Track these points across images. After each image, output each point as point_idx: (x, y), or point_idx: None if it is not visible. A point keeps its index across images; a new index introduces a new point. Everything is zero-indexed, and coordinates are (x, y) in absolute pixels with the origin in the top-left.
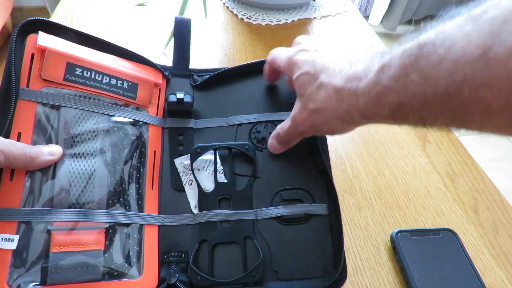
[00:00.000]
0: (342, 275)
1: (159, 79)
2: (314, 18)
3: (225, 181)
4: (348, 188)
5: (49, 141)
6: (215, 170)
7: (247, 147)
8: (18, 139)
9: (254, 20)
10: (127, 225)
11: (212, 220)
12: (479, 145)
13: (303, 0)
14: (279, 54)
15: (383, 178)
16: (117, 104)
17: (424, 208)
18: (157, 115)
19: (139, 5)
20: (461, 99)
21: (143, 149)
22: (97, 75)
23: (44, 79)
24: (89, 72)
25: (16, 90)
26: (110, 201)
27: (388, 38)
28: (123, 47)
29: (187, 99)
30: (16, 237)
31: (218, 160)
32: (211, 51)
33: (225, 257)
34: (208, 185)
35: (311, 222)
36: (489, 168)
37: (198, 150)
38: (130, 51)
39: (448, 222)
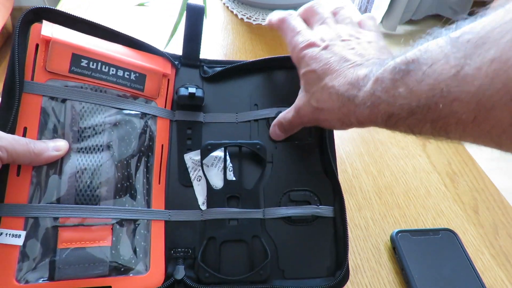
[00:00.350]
0: (345, 276)
1: (168, 69)
2: None
3: (234, 179)
4: (348, 188)
5: (55, 136)
6: (225, 168)
7: (258, 146)
8: (24, 134)
9: (254, 20)
10: (134, 221)
11: (220, 217)
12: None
13: (303, 0)
14: (289, 33)
15: (383, 178)
16: (124, 96)
17: (424, 208)
18: (165, 106)
19: (139, 5)
20: (438, 111)
21: (151, 143)
22: (103, 66)
23: (49, 71)
24: (95, 64)
25: (21, 83)
26: (117, 196)
27: (388, 38)
28: (131, 35)
29: (199, 93)
30: (23, 233)
31: (228, 157)
32: (211, 51)
33: (232, 255)
34: (217, 182)
35: (316, 223)
36: (489, 168)
37: (209, 147)
38: (138, 40)
39: (448, 222)
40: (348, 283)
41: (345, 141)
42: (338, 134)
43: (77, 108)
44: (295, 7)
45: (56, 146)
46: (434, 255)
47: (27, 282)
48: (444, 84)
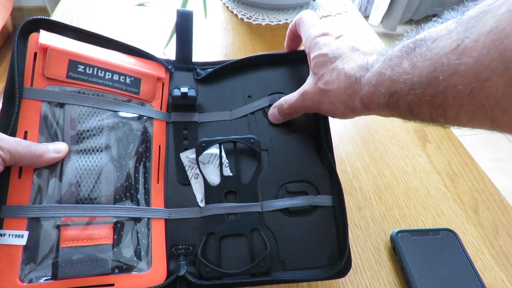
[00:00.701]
0: (347, 265)
1: (162, 73)
2: None
3: (231, 174)
4: (348, 188)
5: (55, 139)
6: (221, 164)
7: (252, 140)
8: (25, 138)
9: (254, 20)
10: (135, 219)
11: (219, 213)
12: (479, 145)
13: (303, 0)
14: (306, 23)
15: (383, 178)
16: (120, 99)
17: (424, 208)
18: (161, 109)
19: (139, 5)
20: (438, 85)
21: (148, 144)
22: (99, 71)
23: (47, 77)
24: (91, 69)
25: (20, 90)
26: (117, 196)
27: (388, 38)
28: (125, 42)
29: (192, 93)
30: (26, 233)
31: (223, 153)
32: (211, 51)
33: (232, 249)
34: (214, 179)
35: (316, 213)
36: (489, 168)
37: (203, 144)
38: (132, 46)
39: (448, 222)
40: (348, 283)
41: (345, 141)
42: (338, 134)
43: (76, 111)
44: (295, 7)
45: (56, 148)
46: (434, 255)
47: (30, 281)
48: (445, 58)
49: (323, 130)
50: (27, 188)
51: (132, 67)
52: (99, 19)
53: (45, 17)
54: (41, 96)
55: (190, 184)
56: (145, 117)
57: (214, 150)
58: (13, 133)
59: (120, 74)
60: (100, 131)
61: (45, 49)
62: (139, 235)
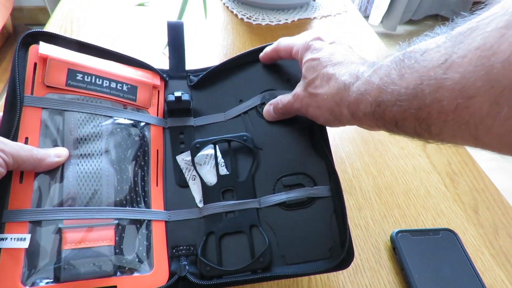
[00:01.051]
0: (349, 255)
1: (157, 81)
2: (314, 18)
3: (227, 173)
4: (348, 188)
5: (55, 144)
6: (216, 164)
7: (245, 138)
8: (26, 143)
9: (254, 20)
10: (136, 221)
11: (217, 212)
12: None
13: (303, 0)
14: (292, 38)
15: (383, 178)
16: (118, 106)
17: (424, 208)
18: (157, 115)
19: (139, 5)
20: (424, 98)
21: (146, 149)
22: (97, 79)
23: (47, 86)
24: (89, 77)
25: (21, 98)
26: (118, 199)
27: (388, 38)
28: (121, 52)
29: (185, 97)
30: (28, 236)
31: (218, 153)
32: (211, 51)
33: (232, 247)
34: (211, 179)
35: (314, 205)
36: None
37: (197, 145)
38: (128, 56)
39: (448, 222)
40: (348, 283)
41: (345, 141)
42: (338, 134)
43: (75, 118)
44: (295, 7)
45: (57, 153)
46: (434, 255)
47: (33, 284)
48: (433, 71)
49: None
50: (29, 193)
51: (128, 75)
52: (99, 19)
53: (44, 30)
54: (41, 104)
55: (188, 186)
56: (142, 123)
57: (209, 150)
58: (14, 139)
59: (117, 82)
60: (99, 136)
61: (44, 59)
62: (140, 237)
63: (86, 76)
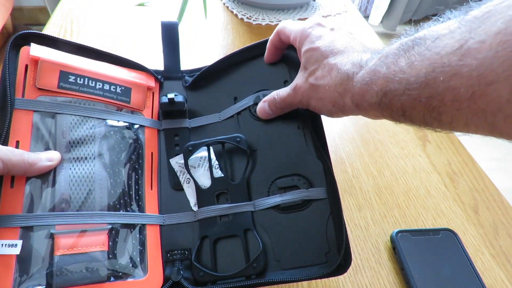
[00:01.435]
0: (346, 260)
1: (151, 83)
2: None
3: (222, 175)
4: (348, 188)
5: (47, 148)
6: (210, 166)
7: (238, 139)
8: (17, 147)
9: (254, 20)
10: (129, 225)
11: (211, 215)
12: (479, 145)
13: (303, 0)
14: (291, 25)
15: (383, 178)
16: (112, 108)
17: (424, 208)
18: (152, 117)
19: (139, 5)
20: (436, 87)
21: (140, 151)
22: (90, 81)
23: (39, 88)
24: (82, 79)
25: (12, 101)
26: (111, 203)
27: (388, 38)
28: (114, 54)
29: (179, 98)
30: (20, 242)
31: (212, 155)
32: (211, 51)
33: (227, 251)
34: (205, 182)
35: (310, 207)
36: (489, 168)
37: (190, 148)
38: (122, 57)
39: (448, 222)
40: (348, 283)
41: (345, 141)
42: (338, 134)
43: (67, 121)
44: (295, 7)
45: (49, 157)
46: (434, 255)
47: None
48: (447, 59)
49: (313, 122)
50: (20, 197)
51: (122, 77)
52: (99, 19)
53: (35, 31)
54: (33, 106)
55: (183, 189)
56: (136, 125)
57: (203, 153)
58: (5, 143)
59: (110, 83)
60: (92, 139)
61: (36, 61)
62: (134, 242)
63: (78, 78)
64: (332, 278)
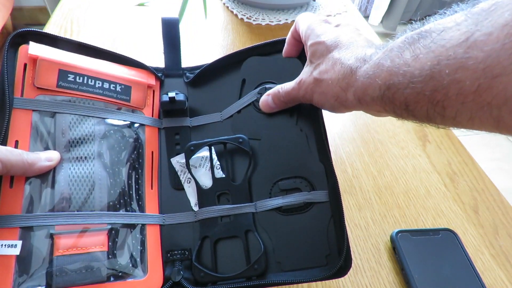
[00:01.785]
0: (347, 263)
1: (152, 81)
2: None
3: (223, 176)
4: (348, 188)
5: (46, 147)
6: (212, 166)
7: (241, 140)
8: (16, 147)
9: (254, 20)
10: (129, 225)
11: (212, 216)
12: (479, 145)
13: (303, 0)
14: (304, 18)
15: (383, 178)
16: (111, 107)
17: (424, 208)
18: (152, 116)
19: (139, 5)
20: (441, 80)
21: (140, 150)
22: (89, 80)
23: (38, 87)
24: (81, 78)
25: (10, 100)
26: (111, 203)
27: (388, 38)
28: (114, 51)
29: (179, 97)
30: (19, 243)
31: (214, 156)
32: (211, 51)
33: (227, 252)
34: (206, 182)
35: (312, 210)
36: (489, 168)
37: (192, 148)
38: (122, 55)
39: (448, 222)
40: (348, 283)
41: (345, 141)
42: (338, 134)
43: (67, 120)
44: (295, 7)
45: (48, 157)
46: (434, 255)
47: None
48: (452, 51)
49: (315, 124)
50: (19, 198)
51: (122, 75)
52: (99, 19)
53: (33, 29)
54: (32, 106)
55: (183, 189)
56: (136, 124)
57: (204, 153)
58: (3, 143)
59: (110, 82)
60: (92, 139)
61: (34, 60)
62: (134, 242)
63: (78, 77)
64: None
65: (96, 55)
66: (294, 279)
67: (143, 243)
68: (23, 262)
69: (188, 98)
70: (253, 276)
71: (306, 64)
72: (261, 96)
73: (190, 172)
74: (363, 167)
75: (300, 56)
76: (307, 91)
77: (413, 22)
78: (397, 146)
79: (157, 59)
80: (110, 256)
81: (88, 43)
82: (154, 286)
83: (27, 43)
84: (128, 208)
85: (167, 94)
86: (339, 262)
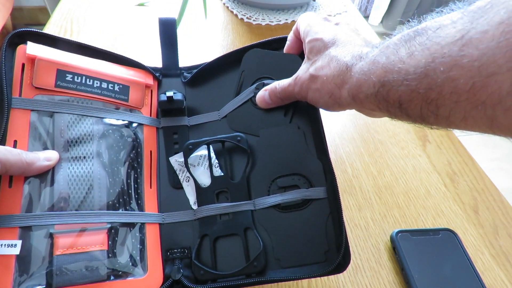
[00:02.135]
0: (346, 259)
1: (150, 81)
2: None
3: (222, 174)
4: (348, 188)
5: (45, 147)
6: (210, 165)
7: (239, 138)
8: (14, 147)
9: (254, 20)
10: (129, 224)
11: (211, 214)
12: (479, 145)
13: (303, 0)
14: (304, 17)
15: (383, 178)
16: (110, 107)
17: (424, 208)
18: (150, 115)
19: (139, 5)
20: (435, 78)
21: (139, 150)
22: (87, 79)
23: (36, 87)
24: (79, 78)
25: (9, 100)
26: (110, 202)
27: (385, 36)
28: (112, 51)
29: (177, 96)
30: (19, 242)
31: (212, 154)
32: (211, 51)
33: (227, 250)
34: (205, 180)
35: (310, 207)
36: (489, 168)
37: (190, 146)
38: (119, 55)
39: (448, 222)
40: (348, 283)
41: (345, 141)
42: (338, 134)
43: (65, 119)
44: (295, 7)
45: (47, 157)
46: (434, 255)
47: None
48: (447, 48)
49: (313, 122)
50: (18, 197)
51: (120, 75)
52: (99, 19)
53: (31, 29)
54: (30, 106)
55: (182, 188)
56: (134, 124)
57: (203, 151)
58: (2, 142)
59: (108, 82)
60: (91, 138)
61: (32, 60)
62: (134, 241)
63: (76, 77)
64: (332, 278)
65: (94, 55)
66: (293, 275)
67: (142, 242)
68: (23, 261)
69: (186, 97)
70: (252, 273)
71: (304, 61)
72: (258, 91)
73: (188, 170)
74: (363, 167)
75: (301, 54)
76: (302, 88)
77: (411, 20)
78: (397, 146)
79: (157, 59)
80: (110, 255)
81: (86, 43)
82: (154, 285)
83: (25, 43)
84: (127, 207)
85: (165, 94)
86: (338, 258)
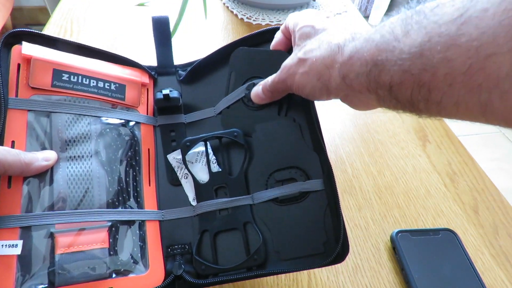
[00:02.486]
0: (344, 249)
1: (146, 79)
2: None
3: (219, 170)
4: (348, 188)
5: (43, 147)
6: (208, 161)
7: (236, 134)
8: (12, 147)
9: (254, 20)
10: (129, 222)
11: (210, 209)
12: (479, 145)
13: (303, 0)
14: (293, 14)
15: (383, 178)
16: (106, 106)
17: (424, 208)
18: (147, 114)
19: (139, 5)
20: (431, 58)
21: (136, 148)
22: (84, 79)
23: (32, 87)
24: (76, 77)
25: (5, 100)
26: (110, 200)
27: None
28: (107, 51)
29: (173, 94)
30: (20, 242)
31: (210, 150)
32: (211, 51)
33: (227, 244)
34: (203, 176)
35: (308, 199)
36: (489, 168)
37: (188, 143)
38: (115, 54)
39: (448, 222)
40: (348, 283)
41: (345, 141)
42: (338, 134)
43: (62, 119)
44: (295, 7)
45: (45, 157)
46: (434, 255)
47: None
48: (445, 28)
49: (308, 112)
50: (18, 198)
51: (116, 74)
52: (99, 19)
53: (26, 29)
54: (27, 106)
55: (181, 185)
56: (132, 122)
57: (200, 148)
58: (0, 143)
59: (104, 81)
60: (88, 137)
61: (28, 60)
62: (134, 238)
63: (72, 76)
64: (332, 278)
65: (89, 55)
66: (293, 267)
67: (143, 239)
68: (25, 261)
69: (182, 95)
70: (253, 266)
71: (293, 49)
72: (249, 92)
73: (187, 167)
74: (363, 167)
75: (289, 50)
76: (289, 74)
77: (410, 1)
78: (397, 146)
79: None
80: (111, 253)
81: (81, 42)
82: (155, 281)
83: (20, 43)
84: (126, 205)
85: (161, 92)
86: (337, 248)
